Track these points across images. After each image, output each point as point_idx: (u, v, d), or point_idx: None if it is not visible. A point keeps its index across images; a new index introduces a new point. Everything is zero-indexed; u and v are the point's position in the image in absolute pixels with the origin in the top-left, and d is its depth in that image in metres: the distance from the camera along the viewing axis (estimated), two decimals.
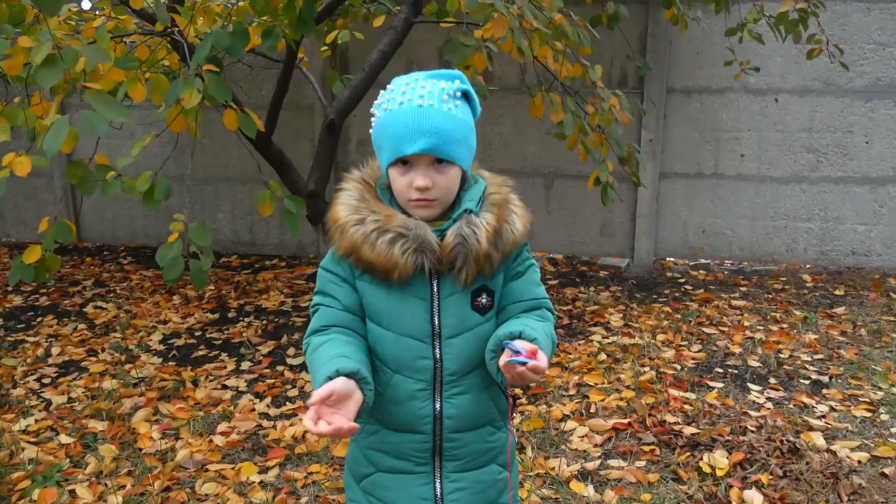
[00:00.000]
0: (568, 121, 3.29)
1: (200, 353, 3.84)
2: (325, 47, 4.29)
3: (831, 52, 4.28)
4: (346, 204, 1.33)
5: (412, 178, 1.27)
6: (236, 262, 5.72)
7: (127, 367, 3.63)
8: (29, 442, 2.90)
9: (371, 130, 1.33)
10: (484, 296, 1.34)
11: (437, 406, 1.35)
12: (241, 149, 5.53)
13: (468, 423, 1.37)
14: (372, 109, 1.33)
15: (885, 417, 2.94)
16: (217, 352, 3.85)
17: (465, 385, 1.36)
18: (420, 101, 1.24)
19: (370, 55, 3.77)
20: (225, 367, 3.63)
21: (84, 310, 4.58)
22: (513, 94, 5.28)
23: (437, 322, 1.33)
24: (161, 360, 3.74)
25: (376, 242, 1.27)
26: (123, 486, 2.57)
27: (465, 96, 1.31)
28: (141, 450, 2.82)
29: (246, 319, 4.33)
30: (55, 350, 3.90)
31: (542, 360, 1.22)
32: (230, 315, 4.43)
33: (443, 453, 1.38)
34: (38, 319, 4.43)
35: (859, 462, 2.59)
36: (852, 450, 2.67)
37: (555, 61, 3.26)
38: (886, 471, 2.53)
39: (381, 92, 1.32)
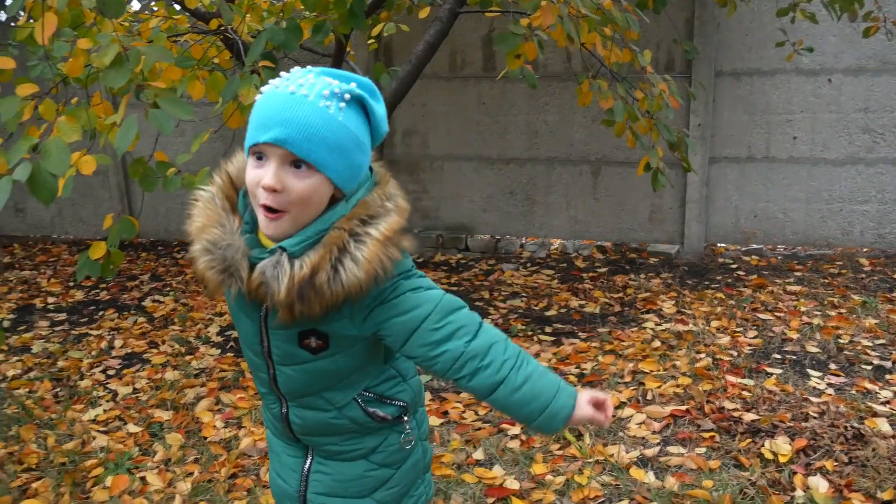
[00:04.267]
0: (618, 107, 3.26)
1: None
2: (372, 40, 4.32)
3: (889, 29, 4.16)
4: (201, 197, 1.23)
5: (261, 174, 1.10)
6: None
7: (187, 358, 3.73)
8: (99, 431, 3.00)
9: None
10: (313, 339, 1.22)
11: (284, 410, 1.35)
12: None
13: (316, 431, 1.35)
14: None
15: None
16: None
17: (306, 403, 1.32)
18: (293, 88, 1.08)
19: (416, 47, 3.79)
20: None
21: (143, 303, 4.71)
22: (558, 82, 5.25)
23: (266, 346, 1.27)
24: (219, 351, 3.83)
25: (192, 245, 1.18)
26: (191, 474, 2.64)
27: (361, 105, 1.13)
28: (206, 438, 2.90)
29: None
30: (118, 342, 4.02)
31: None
32: None
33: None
34: (100, 313, 4.56)
35: None
36: None
37: (603, 47, 3.23)
38: None
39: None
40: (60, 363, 3.76)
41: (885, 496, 2.26)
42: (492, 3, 3.71)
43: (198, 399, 3.24)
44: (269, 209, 1.11)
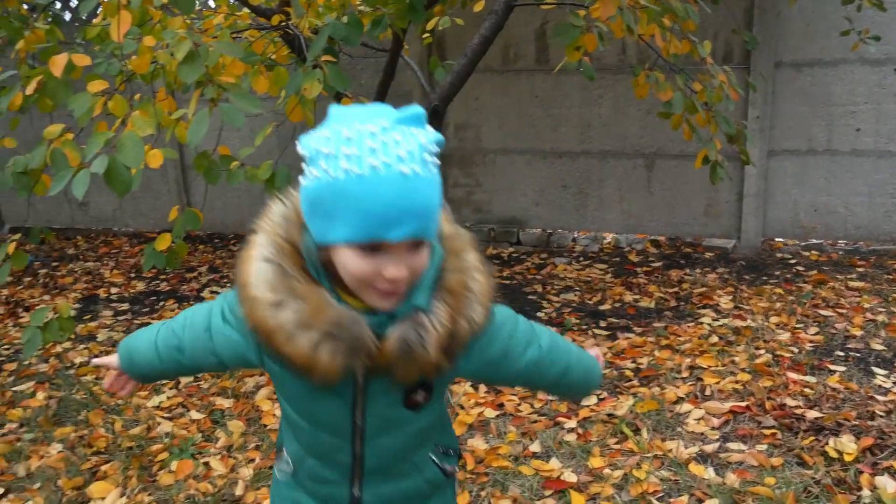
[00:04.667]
0: (677, 99, 3.21)
1: None
2: (427, 34, 4.34)
3: None
4: (260, 272, 1.02)
5: (380, 265, 0.95)
6: None
7: None
8: (163, 417, 3.10)
9: (305, 183, 0.97)
10: (420, 392, 1.13)
11: (356, 492, 1.20)
12: None
13: (390, 501, 1.24)
14: (305, 151, 0.96)
15: None
16: None
17: (390, 474, 1.21)
18: (403, 168, 0.91)
19: (471, 40, 3.79)
20: None
21: (201, 294, 4.82)
22: (611, 74, 5.20)
23: (359, 420, 1.13)
24: None
25: (295, 337, 1.00)
26: (252, 460, 2.71)
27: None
28: (266, 426, 2.96)
29: None
30: None
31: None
32: None
33: None
34: (161, 304, 4.69)
35: None
36: None
37: (662, 39, 3.19)
38: None
39: (325, 134, 0.95)
40: None
41: None
42: None
43: (257, 388, 3.31)
44: (389, 292, 1.00)
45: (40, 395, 3.35)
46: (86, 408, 3.19)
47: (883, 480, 2.28)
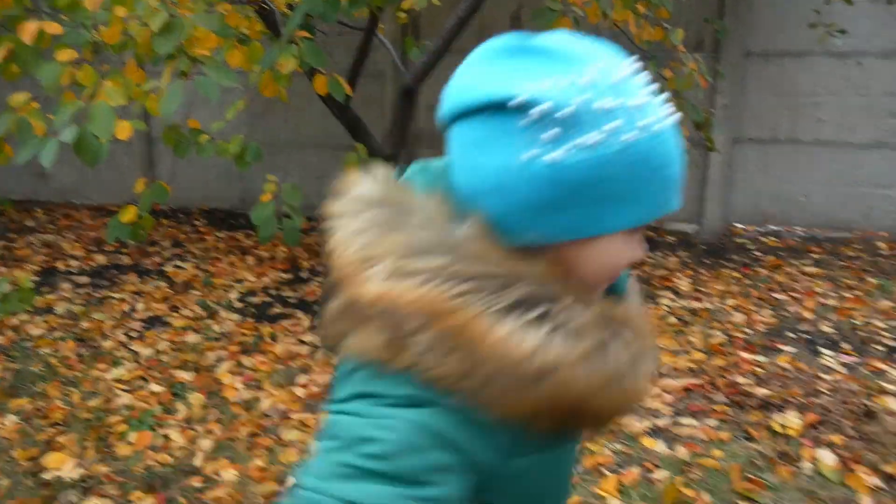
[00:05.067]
0: None
1: (276, 310, 3.99)
2: (403, 13, 4.33)
3: None
4: (551, 331, 0.66)
5: (635, 246, 0.74)
6: (305, 224, 5.86)
7: (208, 322, 3.81)
8: (122, 390, 3.09)
9: (560, 159, 0.66)
10: None
11: None
12: (312, 114, 5.64)
13: None
14: (556, 112, 0.65)
15: None
16: (292, 310, 3.99)
17: None
18: (673, 116, 0.71)
19: (447, 21, 3.81)
20: (300, 325, 3.77)
21: (163, 269, 4.78)
22: None
23: (573, 469, 0.87)
24: (239, 316, 3.90)
25: (633, 374, 0.70)
26: (212, 432, 2.72)
27: None
28: (226, 399, 2.97)
29: (318, 279, 4.47)
30: (140, 306, 4.09)
31: None
32: (303, 275, 4.57)
33: None
34: (122, 277, 4.64)
35: None
36: None
37: (636, 25, 3.23)
38: None
39: (578, 80, 0.67)
40: (84, 324, 3.85)
41: (890, 469, 2.30)
42: None
43: (218, 361, 3.31)
44: None
45: None
46: (43, 380, 3.16)
47: (823, 453, 2.38)
